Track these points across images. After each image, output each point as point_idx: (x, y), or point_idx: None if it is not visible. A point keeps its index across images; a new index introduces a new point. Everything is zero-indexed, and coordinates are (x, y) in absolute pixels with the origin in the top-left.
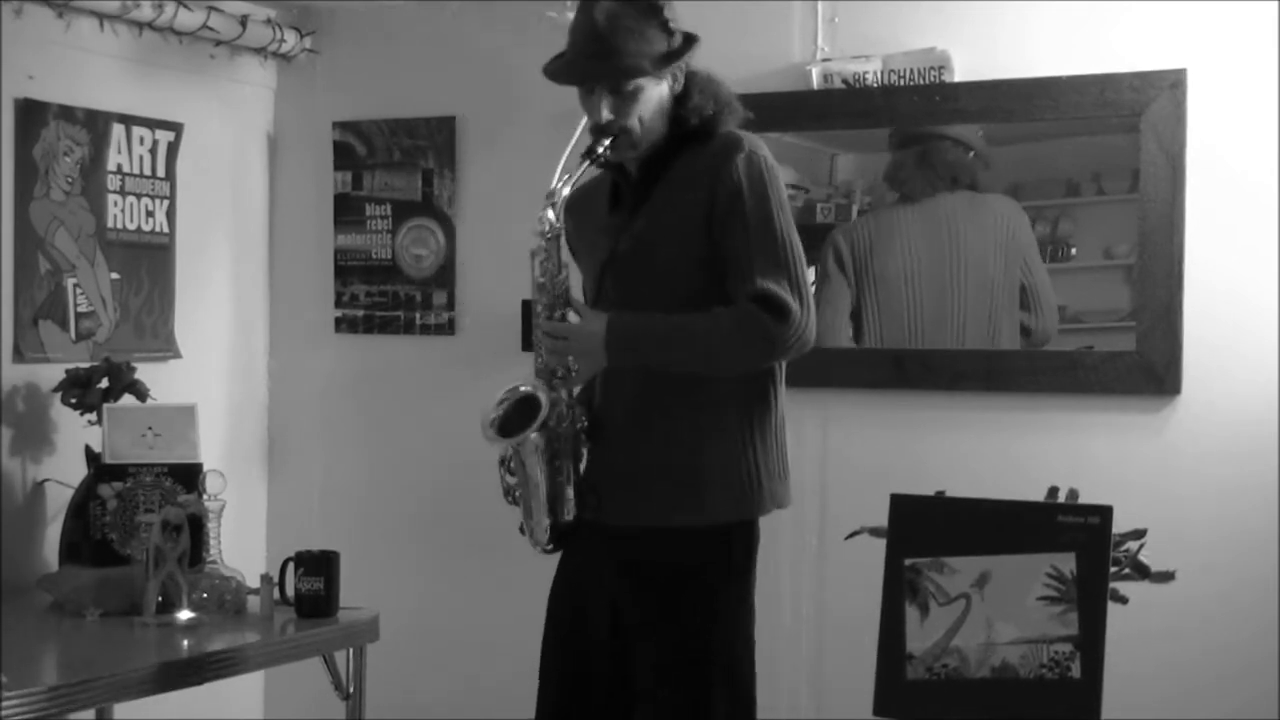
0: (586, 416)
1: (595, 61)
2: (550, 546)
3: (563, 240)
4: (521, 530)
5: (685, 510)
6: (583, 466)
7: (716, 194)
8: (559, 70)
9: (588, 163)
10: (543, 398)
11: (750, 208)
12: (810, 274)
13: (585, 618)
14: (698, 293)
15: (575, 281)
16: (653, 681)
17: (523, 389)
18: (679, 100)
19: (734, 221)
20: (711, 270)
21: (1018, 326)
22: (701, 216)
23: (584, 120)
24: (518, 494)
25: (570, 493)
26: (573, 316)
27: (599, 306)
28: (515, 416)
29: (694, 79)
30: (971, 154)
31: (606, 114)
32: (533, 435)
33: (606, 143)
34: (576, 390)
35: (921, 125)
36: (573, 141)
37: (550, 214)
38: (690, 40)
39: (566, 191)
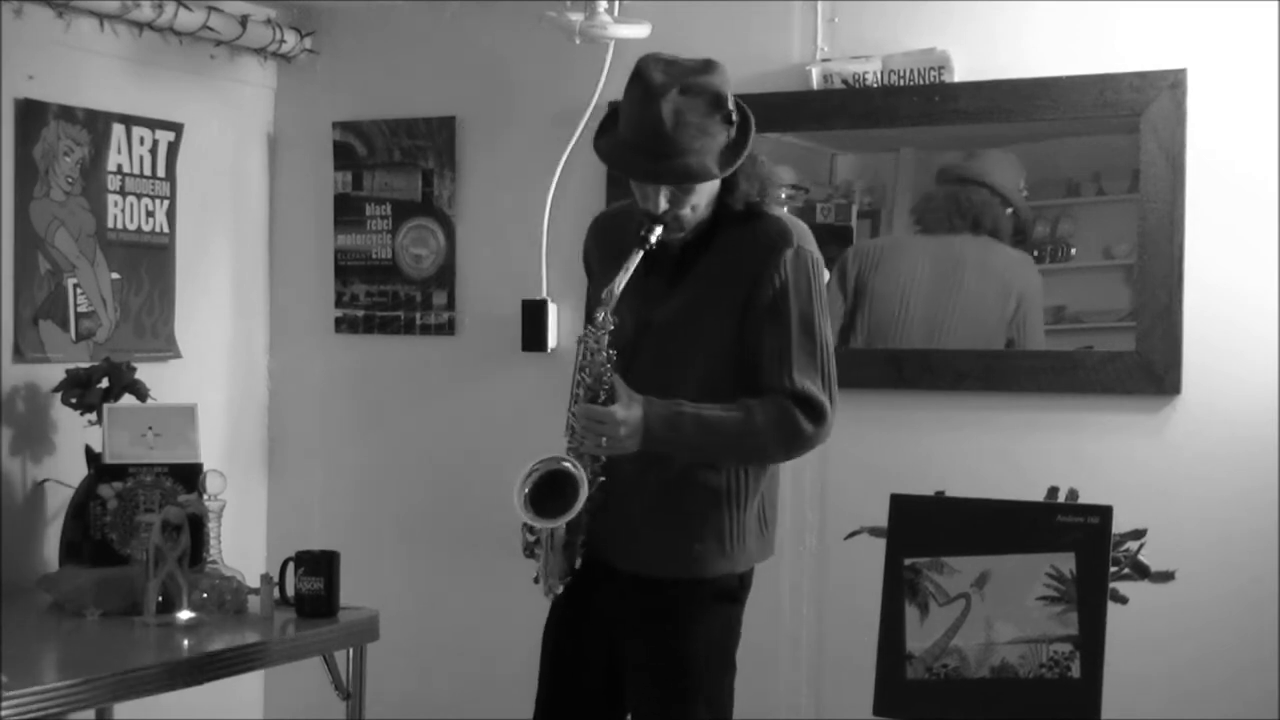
0: (603, 473)
1: (662, 162)
2: (560, 591)
3: (613, 334)
4: (536, 580)
5: (677, 566)
6: (587, 520)
7: (760, 284)
8: (623, 161)
9: (641, 253)
10: (581, 482)
11: (794, 306)
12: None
13: (581, 651)
14: (723, 370)
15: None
16: (640, 701)
17: (563, 464)
18: (726, 184)
19: (777, 316)
20: (739, 353)
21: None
22: (740, 301)
23: (582, 124)
24: (538, 552)
25: (579, 542)
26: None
27: (631, 368)
28: (547, 488)
29: (743, 164)
30: (1009, 210)
31: (664, 205)
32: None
33: (659, 230)
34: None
35: (969, 169)
36: (566, 153)
37: (606, 312)
38: (746, 124)
39: (619, 291)
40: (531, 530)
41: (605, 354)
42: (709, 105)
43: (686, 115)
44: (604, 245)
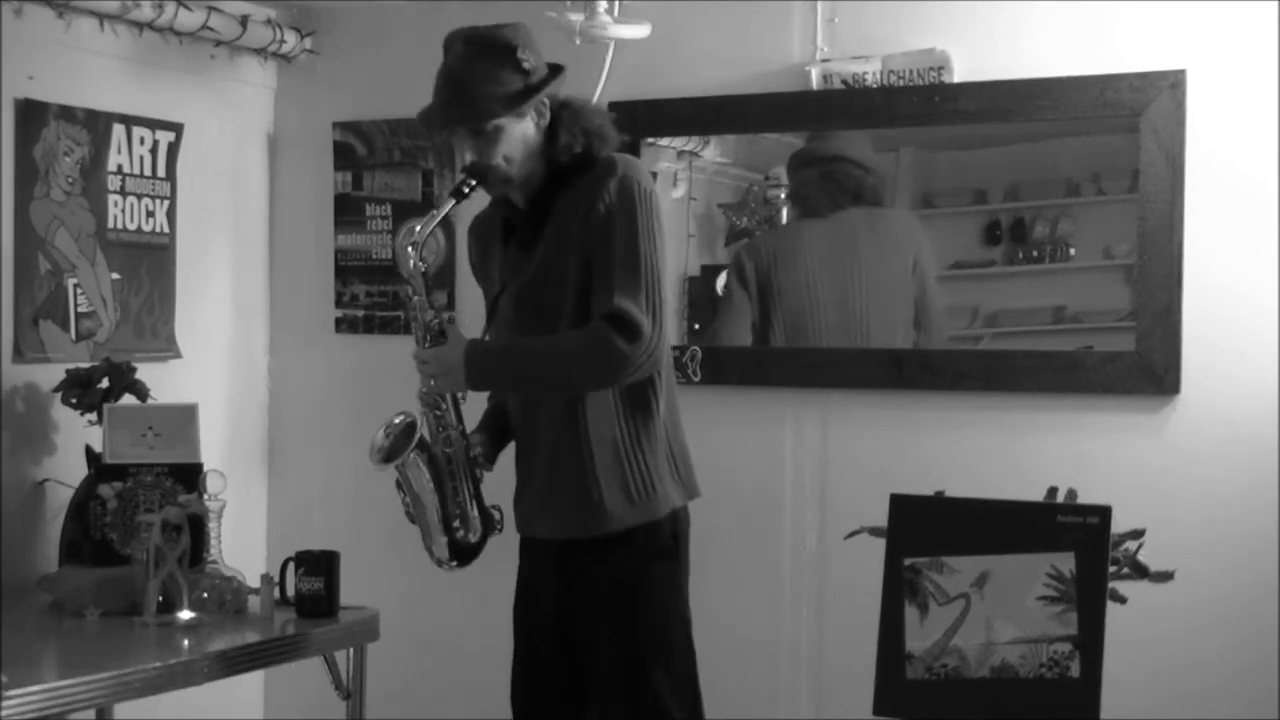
0: (481, 444)
1: (450, 107)
2: (454, 563)
3: (426, 276)
4: (427, 550)
5: (586, 523)
6: (480, 489)
7: (591, 215)
8: (423, 114)
9: (454, 202)
10: (419, 421)
11: (617, 227)
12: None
13: (537, 627)
14: (586, 317)
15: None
16: (597, 669)
17: (399, 419)
18: (549, 140)
19: (600, 239)
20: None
21: (911, 337)
22: (581, 240)
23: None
24: (414, 514)
25: (474, 513)
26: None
27: (494, 333)
28: (401, 443)
29: (560, 117)
30: (869, 176)
31: (470, 155)
32: (411, 456)
33: (473, 182)
34: (455, 418)
35: (825, 148)
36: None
37: (411, 252)
38: (552, 73)
39: (425, 233)
40: (403, 491)
41: (422, 297)
42: (495, 55)
43: (473, 64)
44: (482, 244)
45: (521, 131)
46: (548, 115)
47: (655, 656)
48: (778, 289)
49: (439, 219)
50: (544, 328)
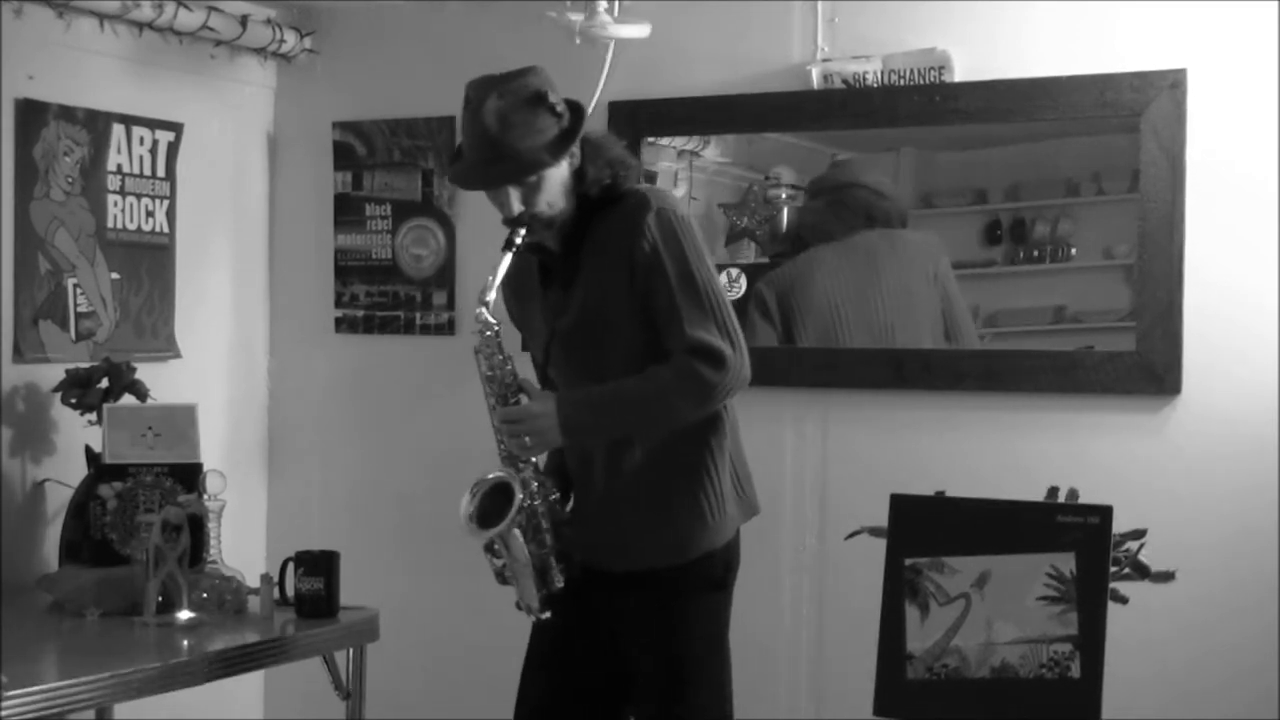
0: (556, 486)
1: (495, 165)
2: (546, 614)
3: (501, 334)
4: (518, 606)
5: (665, 551)
6: (559, 534)
7: (634, 254)
8: (463, 176)
9: (510, 255)
10: (515, 484)
11: (669, 263)
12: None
13: (571, 638)
14: (642, 349)
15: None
16: (637, 692)
17: (491, 476)
18: (577, 175)
19: (656, 278)
20: (650, 326)
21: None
22: (627, 277)
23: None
24: (508, 574)
25: (554, 561)
26: (524, 398)
27: (549, 380)
28: (490, 504)
29: (585, 150)
30: (885, 201)
31: (517, 206)
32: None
33: (522, 232)
34: (542, 461)
35: (836, 176)
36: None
37: (485, 313)
38: (579, 114)
39: (492, 293)
40: (495, 555)
41: (501, 356)
42: (530, 103)
43: (510, 116)
44: (520, 297)
45: (560, 175)
46: (579, 154)
47: (702, 689)
48: (798, 309)
49: (500, 277)
50: (598, 363)
